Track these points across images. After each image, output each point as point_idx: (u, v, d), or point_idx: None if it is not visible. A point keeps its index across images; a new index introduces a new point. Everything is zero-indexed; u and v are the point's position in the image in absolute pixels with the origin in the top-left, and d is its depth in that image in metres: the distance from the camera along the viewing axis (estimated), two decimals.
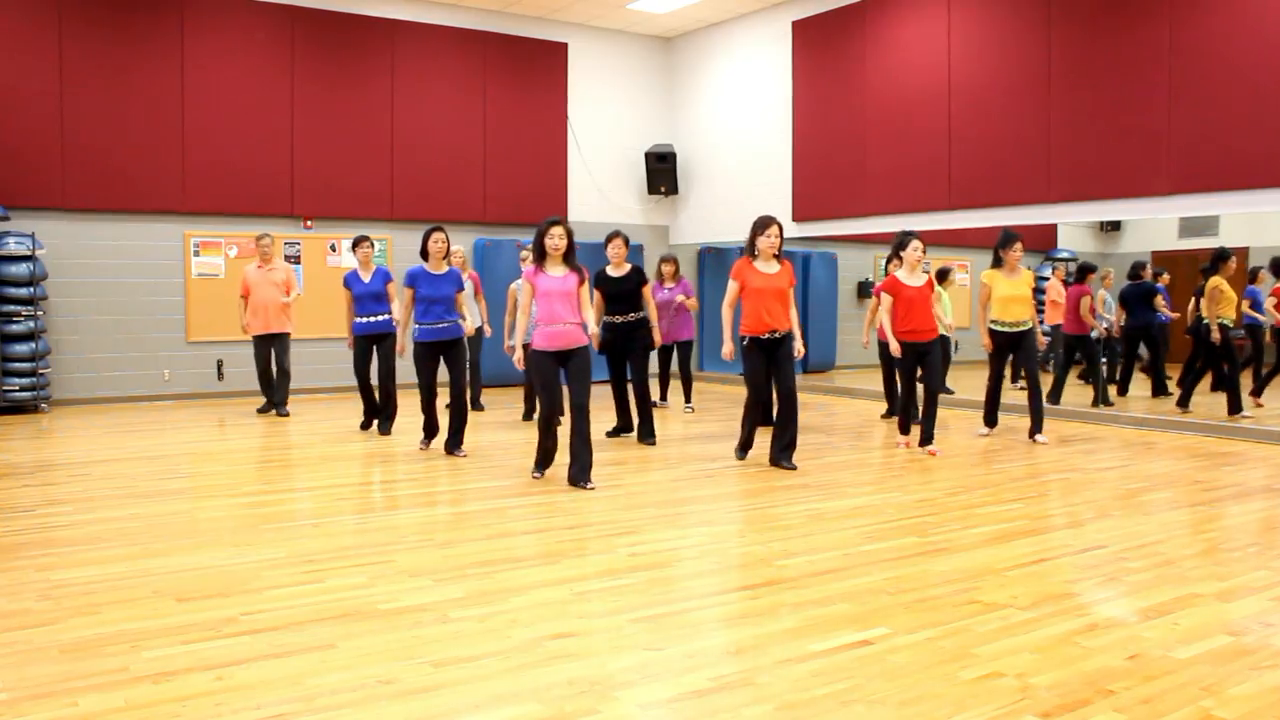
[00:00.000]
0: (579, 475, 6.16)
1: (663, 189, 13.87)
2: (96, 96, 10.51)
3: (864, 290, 15.37)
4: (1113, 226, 16.79)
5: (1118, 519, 5.53)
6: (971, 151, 10.50)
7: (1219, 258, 9.70)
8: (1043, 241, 15.65)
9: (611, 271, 8.14)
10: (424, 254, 7.41)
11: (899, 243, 7.78)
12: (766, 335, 6.80)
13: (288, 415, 9.73)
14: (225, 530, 5.16)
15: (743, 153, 13.24)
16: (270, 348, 9.74)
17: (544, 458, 6.49)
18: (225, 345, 11.25)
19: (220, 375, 11.27)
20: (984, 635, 3.58)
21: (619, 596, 4.05)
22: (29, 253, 9.76)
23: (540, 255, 6.27)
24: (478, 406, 10.01)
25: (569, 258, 6.24)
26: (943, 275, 10.68)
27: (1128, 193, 9.32)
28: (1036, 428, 8.23)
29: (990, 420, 8.54)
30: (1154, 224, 15.76)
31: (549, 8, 12.70)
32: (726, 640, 3.55)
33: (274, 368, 9.77)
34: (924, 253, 7.66)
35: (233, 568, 4.45)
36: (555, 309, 6.14)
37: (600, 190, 13.69)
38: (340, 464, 7.29)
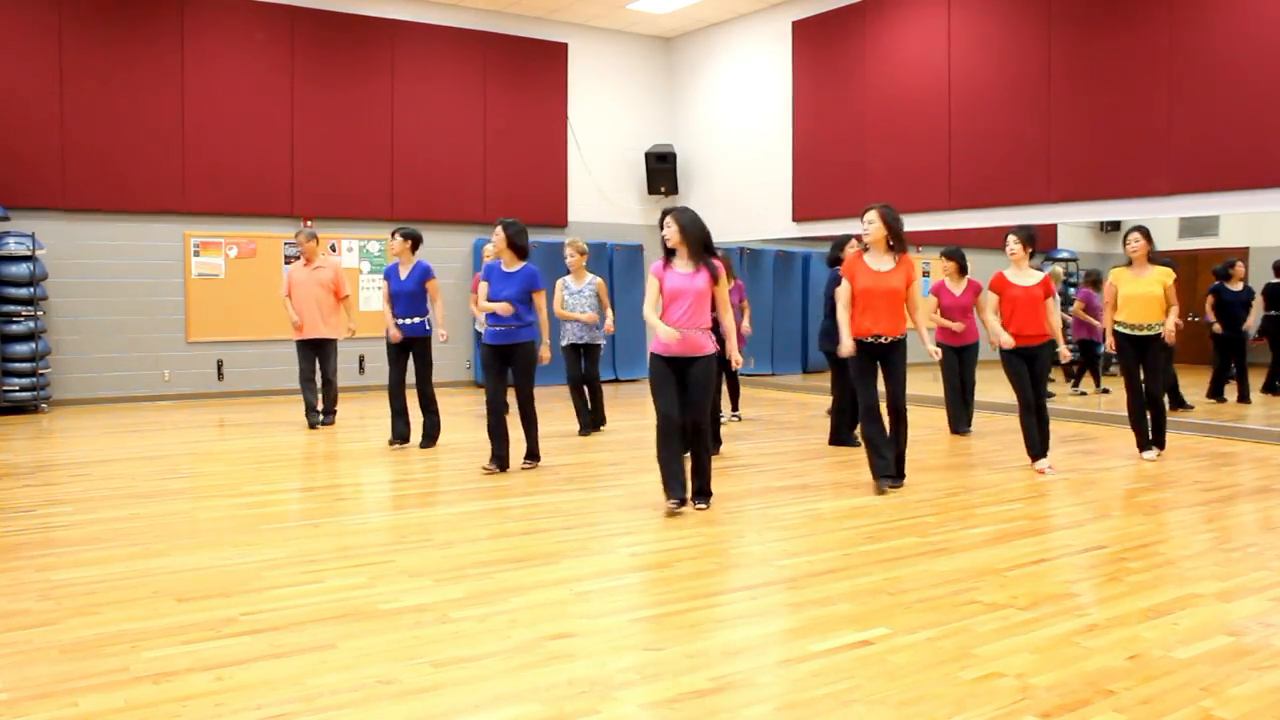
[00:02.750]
0: (693, 496, 5.68)
1: (663, 189, 13.86)
2: (96, 96, 10.51)
3: None
4: (1113, 226, 16.77)
5: (1118, 519, 5.53)
6: (971, 151, 10.50)
7: None
8: (1042, 241, 15.63)
9: None
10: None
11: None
12: (870, 339, 6.22)
13: (332, 424, 9.06)
14: (225, 530, 5.16)
15: (743, 153, 13.24)
16: (315, 355, 8.94)
17: (675, 480, 5.57)
18: (225, 345, 11.26)
19: (220, 375, 11.27)
20: (984, 635, 3.58)
21: (619, 596, 4.05)
22: (29, 253, 9.76)
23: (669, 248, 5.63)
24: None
25: (701, 251, 5.55)
26: None
27: (1128, 193, 9.33)
28: (1157, 441, 7.43)
29: (1146, 442, 7.43)
30: (1154, 224, 15.74)
31: (549, 8, 12.70)
32: (726, 640, 3.54)
33: (319, 378, 9.02)
34: (1023, 247, 6.98)
35: (233, 568, 4.44)
36: (674, 310, 5.52)
37: (600, 190, 13.69)
38: (341, 464, 7.29)
